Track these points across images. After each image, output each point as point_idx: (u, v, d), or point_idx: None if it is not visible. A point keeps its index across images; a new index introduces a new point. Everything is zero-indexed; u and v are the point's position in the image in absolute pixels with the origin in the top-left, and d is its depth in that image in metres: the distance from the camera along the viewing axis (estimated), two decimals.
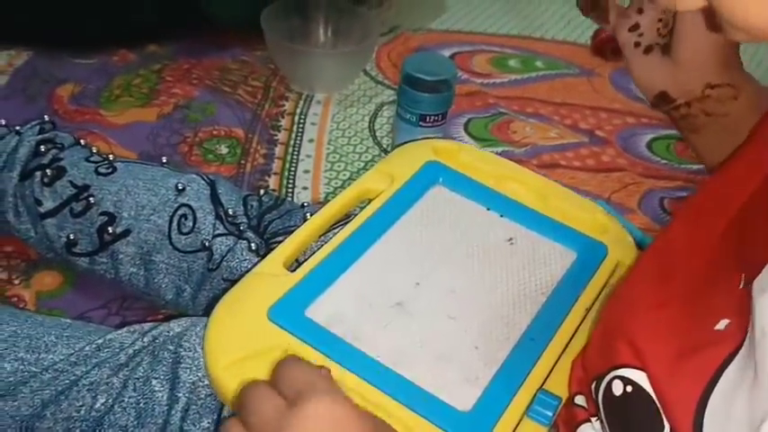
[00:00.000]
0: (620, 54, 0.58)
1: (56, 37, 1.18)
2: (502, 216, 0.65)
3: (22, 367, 0.58)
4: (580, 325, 0.57)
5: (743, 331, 0.39)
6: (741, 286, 0.41)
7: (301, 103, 1.15)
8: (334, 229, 0.65)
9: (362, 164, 1.05)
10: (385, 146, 1.08)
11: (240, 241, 0.71)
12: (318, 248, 0.60)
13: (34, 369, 0.57)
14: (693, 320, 0.42)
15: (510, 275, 0.61)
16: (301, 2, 1.19)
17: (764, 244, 0.40)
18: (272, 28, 1.13)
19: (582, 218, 0.65)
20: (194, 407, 0.56)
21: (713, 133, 0.57)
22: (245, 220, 0.74)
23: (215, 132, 1.08)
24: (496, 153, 1.08)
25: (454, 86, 0.93)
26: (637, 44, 0.57)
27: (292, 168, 1.03)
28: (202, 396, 0.56)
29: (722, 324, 0.40)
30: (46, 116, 0.85)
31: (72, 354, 0.57)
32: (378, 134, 1.10)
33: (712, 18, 0.36)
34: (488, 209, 0.65)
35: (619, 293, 0.51)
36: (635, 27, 0.56)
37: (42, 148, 0.78)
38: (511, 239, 0.64)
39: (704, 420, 0.38)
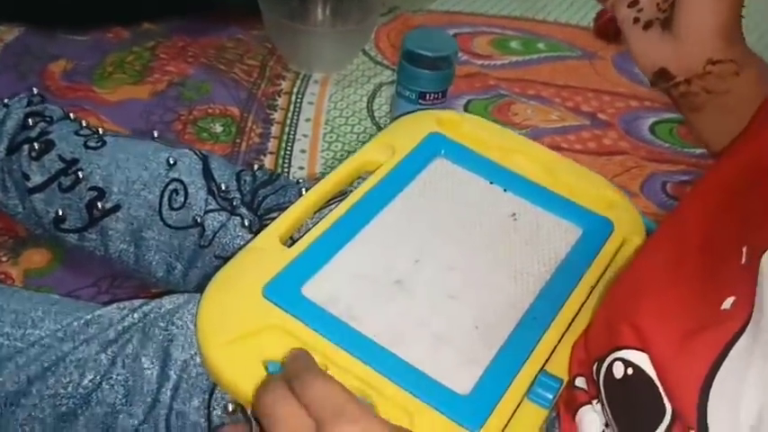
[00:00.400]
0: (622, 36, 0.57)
1: (49, 12, 1.17)
2: (505, 190, 0.63)
3: (7, 342, 0.56)
4: (584, 304, 0.55)
5: (749, 306, 0.38)
6: (743, 261, 0.41)
7: (298, 82, 1.14)
8: (332, 203, 0.63)
9: (360, 144, 1.04)
10: (383, 126, 1.06)
11: (233, 217, 0.69)
12: (315, 224, 0.58)
13: (20, 344, 0.56)
14: (699, 301, 0.42)
15: (512, 252, 0.59)
16: None
17: (760, 223, 0.40)
18: (271, 7, 1.12)
19: (589, 193, 0.63)
20: (185, 385, 0.54)
21: (714, 112, 0.56)
22: (238, 196, 0.72)
23: (210, 111, 1.06)
24: None
25: (455, 64, 0.91)
26: (636, 20, 0.55)
27: (288, 148, 1.02)
28: (194, 375, 0.54)
29: (728, 303, 0.40)
30: (35, 89, 0.83)
31: (59, 329, 0.56)
32: (376, 114, 1.09)
33: None
34: (492, 183, 0.63)
35: (624, 276, 0.50)
36: (634, 2, 0.55)
37: (30, 121, 0.76)
38: (514, 215, 0.62)
39: (709, 400, 0.38)
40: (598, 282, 0.57)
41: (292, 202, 0.60)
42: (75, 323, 0.56)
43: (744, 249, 0.41)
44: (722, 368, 0.38)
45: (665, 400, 0.41)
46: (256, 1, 1.10)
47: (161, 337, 0.55)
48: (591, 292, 0.56)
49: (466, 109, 1.11)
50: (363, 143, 1.01)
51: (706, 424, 0.38)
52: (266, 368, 0.47)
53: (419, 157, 0.64)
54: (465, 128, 0.67)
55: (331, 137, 1.04)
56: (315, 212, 0.62)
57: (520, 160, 0.65)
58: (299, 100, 1.10)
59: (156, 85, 1.09)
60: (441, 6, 1.37)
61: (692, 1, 0.52)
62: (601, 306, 0.52)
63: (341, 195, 0.63)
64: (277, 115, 1.07)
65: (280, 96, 1.10)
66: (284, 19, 1.13)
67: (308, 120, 1.07)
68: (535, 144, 0.68)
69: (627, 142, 1.08)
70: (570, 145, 1.07)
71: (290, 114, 1.07)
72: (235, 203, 0.71)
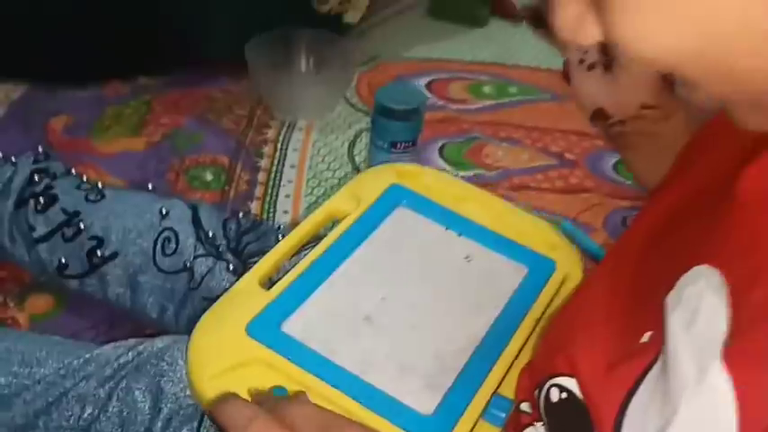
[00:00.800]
0: None
1: (51, 70, 1.24)
2: (460, 235, 0.70)
3: (15, 380, 0.62)
4: (531, 335, 0.61)
5: (659, 344, 0.41)
6: (664, 299, 0.43)
7: (284, 130, 1.21)
8: (306, 248, 0.70)
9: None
10: (362, 170, 1.13)
11: (219, 262, 0.76)
12: (291, 267, 0.64)
13: (26, 382, 0.62)
14: (623, 334, 0.45)
15: (467, 290, 0.66)
16: (285, 34, 1.25)
17: (677, 261, 0.43)
18: (257, 58, 1.19)
19: (533, 236, 0.70)
20: (176, 416, 0.60)
21: (646, 151, 0.61)
22: (224, 242, 0.79)
23: (201, 160, 1.13)
24: (470, 176, 1.14)
25: (423, 114, 0.98)
26: (581, 60, 0.59)
27: (274, 193, 1.09)
28: (184, 406, 0.60)
29: (646, 336, 0.43)
30: (40, 147, 0.90)
31: (62, 367, 0.62)
32: (356, 159, 1.16)
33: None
34: (447, 228, 0.70)
35: (563, 310, 0.55)
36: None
37: (36, 177, 0.83)
38: (468, 257, 0.68)
39: (622, 428, 0.41)
40: (543, 315, 0.63)
41: (271, 248, 0.67)
42: (76, 362, 0.62)
43: (663, 292, 0.43)
44: (634, 398, 0.40)
45: (593, 424, 0.43)
46: (244, 52, 1.18)
47: (153, 373, 0.61)
48: (536, 324, 0.62)
49: (441, 152, 1.18)
50: None
51: None
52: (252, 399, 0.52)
53: (382, 206, 0.70)
54: (423, 179, 0.74)
55: (314, 182, 1.11)
56: (291, 257, 0.68)
57: (472, 207, 0.71)
58: (284, 147, 1.18)
59: (151, 136, 1.16)
60: (418, 54, 1.45)
61: None
62: (542, 338, 0.58)
63: (314, 240, 0.70)
64: (264, 162, 1.14)
65: (266, 144, 1.18)
66: (269, 69, 1.20)
67: (292, 166, 1.14)
68: (485, 192, 0.75)
69: (592, 180, 1.15)
70: (538, 184, 1.14)
71: (275, 162, 1.14)
72: (221, 249, 0.78)
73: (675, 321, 0.39)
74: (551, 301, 0.65)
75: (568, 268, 0.67)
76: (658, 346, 0.41)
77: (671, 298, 0.41)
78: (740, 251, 0.39)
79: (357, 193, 0.72)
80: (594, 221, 1.07)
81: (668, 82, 0.59)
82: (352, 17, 1.37)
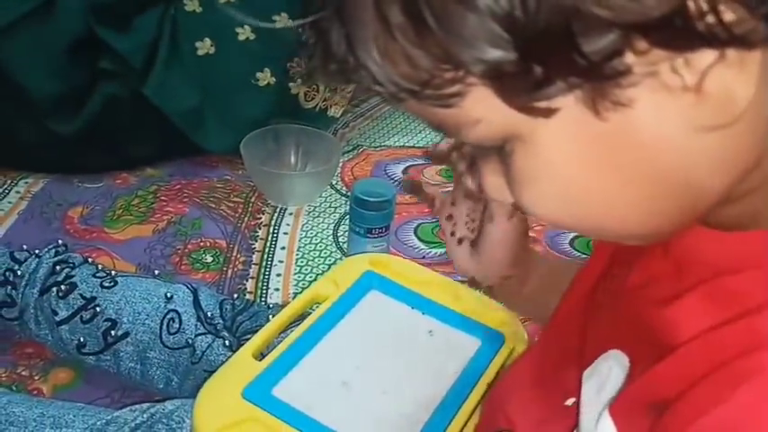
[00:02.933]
0: None
1: (68, 166, 1.39)
2: (423, 313, 0.80)
3: None
4: (483, 397, 0.71)
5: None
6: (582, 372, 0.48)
7: (276, 215, 1.34)
8: (292, 326, 0.81)
9: (326, 266, 1.22)
10: (346, 251, 1.26)
11: (217, 339, 0.88)
12: (280, 342, 0.75)
13: None
14: (550, 397, 0.50)
15: (429, 359, 0.76)
16: (276, 130, 1.40)
17: (596, 346, 0.47)
18: (251, 153, 1.33)
19: (485, 313, 0.80)
20: None
21: (519, 303, 0.72)
22: (221, 322, 0.91)
23: (201, 244, 1.25)
24: (441, 253, 1.26)
25: (395, 204, 1.12)
26: (452, 233, 0.67)
27: (266, 273, 1.20)
28: None
29: (570, 401, 0.48)
30: (60, 240, 1.03)
31: (87, 428, 0.73)
32: (340, 240, 1.29)
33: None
34: (413, 308, 0.81)
35: (502, 377, 0.64)
36: (450, 217, 0.67)
37: (57, 267, 0.95)
38: (430, 331, 0.79)
39: None
40: (494, 380, 0.73)
41: (262, 326, 0.78)
42: (99, 423, 0.74)
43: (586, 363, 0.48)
44: None
45: None
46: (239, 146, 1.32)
47: (164, 431, 0.73)
48: (488, 388, 0.72)
49: (415, 231, 1.32)
50: (329, 266, 1.22)
51: None
52: None
53: (357, 290, 0.81)
54: (392, 266, 0.85)
55: (302, 261, 1.23)
56: (279, 333, 0.80)
57: (434, 290, 0.82)
58: (275, 231, 1.30)
59: (157, 223, 1.28)
60: (397, 143, 1.59)
61: (487, 239, 0.64)
62: (486, 399, 0.67)
63: (299, 319, 0.83)
64: (257, 245, 1.26)
65: (260, 228, 1.30)
66: (262, 163, 1.34)
67: (283, 248, 1.26)
68: (444, 277, 0.86)
69: (551, 256, 1.28)
70: None
71: (268, 244, 1.27)
72: (218, 328, 0.90)
73: (589, 389, 0.45)
74: (501, 368, 0.74)
75: (515, 340, 0.77)
76: (578, 412, 0.46)
77: (588, 372, 0.46)
78: (642, 338, 0.43)
79: (336, 279, 0.83)
80: None
81: (525, 250, 0.68)
82: (335, 111, 1.52)
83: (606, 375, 0.44)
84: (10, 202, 1.32)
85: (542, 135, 0.36)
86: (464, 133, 0.37)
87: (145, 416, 0.74)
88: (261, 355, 0.75)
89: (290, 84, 1.42)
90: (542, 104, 0.34)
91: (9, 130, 1.32)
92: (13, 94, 1.28)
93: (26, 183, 1.37)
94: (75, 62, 1.31)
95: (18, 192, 1.35)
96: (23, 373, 0.99)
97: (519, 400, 0.54)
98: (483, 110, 0.35)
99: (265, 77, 1.39)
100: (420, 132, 1.65)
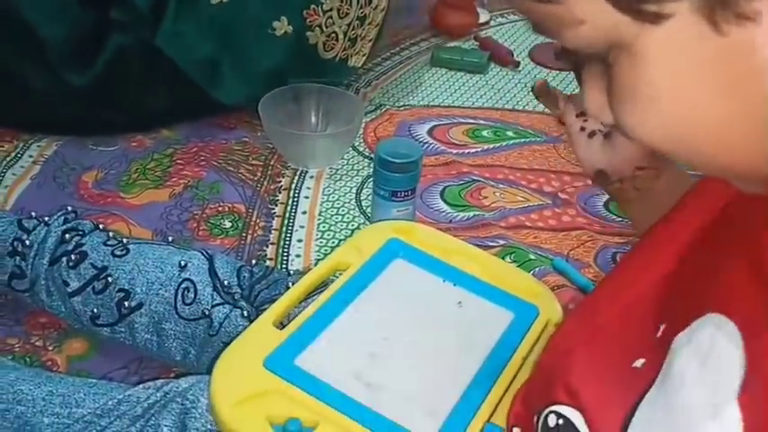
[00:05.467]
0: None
1: (80, 123, 1.34)
2: (453, 284, 0.77)
3: (57, 420, 0.71)
4: (518, 371, 0.68)
5: (656, 369, 0.45)
6: (659, 335, 0.47)
7: (296, 178, 1.30)
8: (313, 295, 0.78)
9: (349, 232, 1.18)
10: (369, 215, 1.21)
11: (235, 309, 0.84)
12: (300, 311, 0.72)
13: (67, 421, 0.71)
14: (616, 359, 0.49)
15: (460, 331, 0.73)
16: (295, 89, 1.34)
17: (690, 304, 0.45)
18: (269, 114, 1.28)
19: (518, 285, 0.77)
20: None
21: (642, 204, 0.68)
22: (238, 290, 0.87)
23: (220, 209, 1.21)
24: (468, 217, 1.21)
25: (421, 165, 1.07)
26: (582, 129, 0.67)
27: (287, 238, 1.17)
28: None
29: (639, 362, 0.47)
30: (69, 207, 0.99)
31: (98, 407, 0.71)
32: (363, 204, 1.24)
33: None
34: (440, 277, 0.77)
35: (553, 343, 0.61)
36: (581, 114, 0.67)
37: (67, 236, 0.91)
38: (460, 302, 0.76)
39: None
40: (528, 354, 0.70)
41: (281, 295, 0.75)
42: (110, 402, 0.71)
43: (662, 327, 0.47)
44: (633, 420, 0.45)
45: None
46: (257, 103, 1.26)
47: (178, 411, 0.70)
48: (523, 361, 0.69)
49: (442, 195, 1.27)
50: (352, 231, 1.18)
51: None
52: (273, 428, 0.59)
53: (381, 258, 0.78)
54: (417, 234, 0.82)
55: (324, 227, 1.19)
56: (300, 302, 0.77)
57: (460, 259, 0.79)
58: (296, 195, 1.26)
59: (174, 188, 1.25)
60: (421, 102, 1.54)
61: None
62: (536, 368, 0.63)
63: (321, 287, 0.79)
64: (278, 209, 1.23)
65: (280, 192, 1.26)
66: (281, 124, 1.30)
67: (304, 212, 1.22)
68: (470, 246, 0.83)
69: (584, 218, 1.22)
70: (533, 223, 1.21)
71: (288, 208, 1.23)
72: (236, 297, 0.86)
73: (687, 361, 0.43)
74: (536, 342, 0.72)
75: (549, 313, 0.75)
76: (653, 372, 0.45)
77: (683, 337, 0.44)
78: (758, 307, 0.41)
79: (359, 246, 0.79)
80: (586, 257, 1.14)
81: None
82: (355, 61, 1.46)
83: (709, 347, 0.42)
84: (22, 167, 1.29)
85: (649, 45, 0.34)
86: (565, 35, 0.36)
87: (158, 394, 0.71)
88: (281, 325, 0.71)
89: (308, 33, 1.36)
90: (652, 7, 0.33)
91: (22, 78, 1.27)
92: (25, 37, 1.24)
93: (38, 146, 1.34)
94: (87, 7, 1.26)
95: (31, 156, 1.32)
96: (37, 343, 0.97)
97: (577, 369, 0.52)
98: (587, 8, 0.34)
99: (282, 26, 1.33)
100: (445, 92, 1.58)
